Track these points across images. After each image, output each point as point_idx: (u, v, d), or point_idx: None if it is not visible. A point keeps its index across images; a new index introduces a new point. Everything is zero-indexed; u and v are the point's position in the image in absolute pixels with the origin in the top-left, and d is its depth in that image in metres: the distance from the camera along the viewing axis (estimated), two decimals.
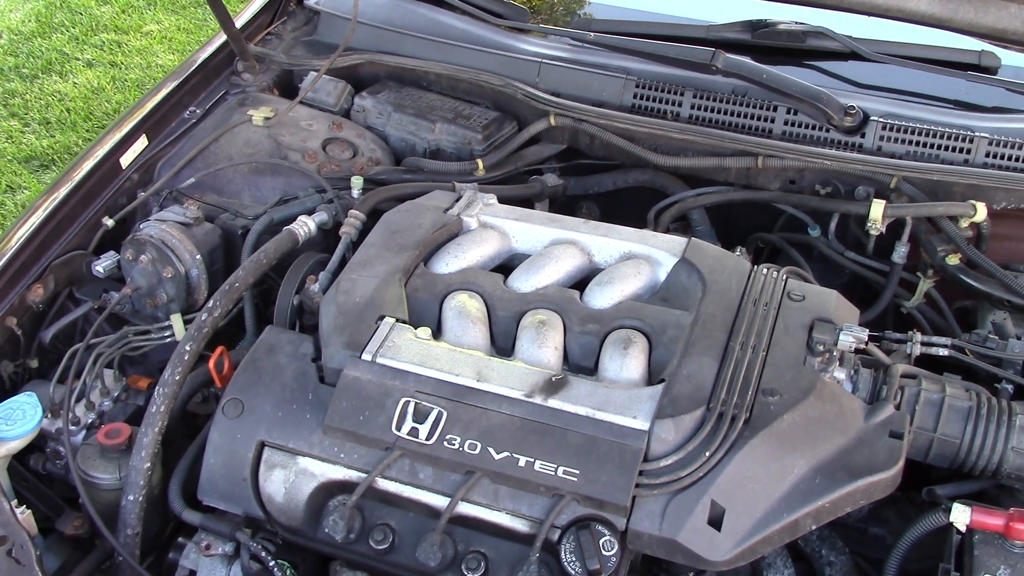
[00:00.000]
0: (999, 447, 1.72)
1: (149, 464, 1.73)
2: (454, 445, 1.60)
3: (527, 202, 2.41)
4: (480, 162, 2.46)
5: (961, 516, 1.62)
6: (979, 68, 2.59)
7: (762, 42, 2.66)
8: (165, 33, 6.07)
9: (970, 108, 2.49)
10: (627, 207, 2.53)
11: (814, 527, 1.60)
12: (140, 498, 1.73)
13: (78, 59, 5.76)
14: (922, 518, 1.69)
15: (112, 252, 2.21)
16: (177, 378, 1.77)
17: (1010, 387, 1.92)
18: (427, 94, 2.69)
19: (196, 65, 2.67)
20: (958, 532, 1.65)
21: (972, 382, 1.86)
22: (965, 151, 2.35)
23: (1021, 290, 2.07)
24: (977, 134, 2.34)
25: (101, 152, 2.36)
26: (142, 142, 2.44)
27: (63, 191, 2.26)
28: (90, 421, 1.94)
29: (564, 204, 2.62)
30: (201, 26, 6.11)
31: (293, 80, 2.77)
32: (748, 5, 2.55)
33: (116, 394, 2.00)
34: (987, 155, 2.34)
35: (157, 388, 1.76)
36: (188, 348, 1.80)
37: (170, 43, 5.99)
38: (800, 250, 2.44)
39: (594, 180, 2.62)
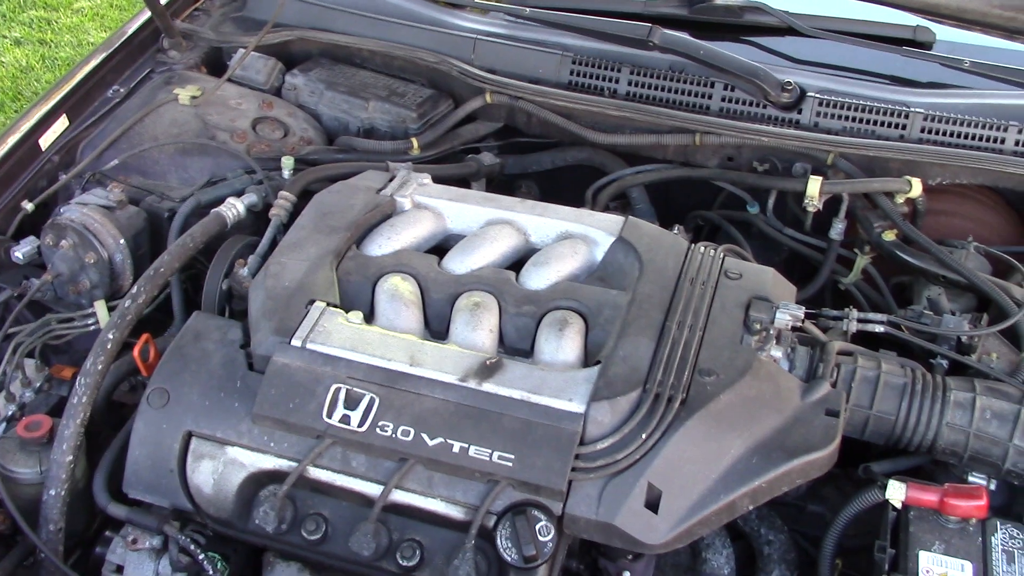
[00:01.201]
0: (934, 423, 1.72)
1: (71, 457, 1.67)
2: (387, 432, 1.56)
3: (463, 182, 2.38)
4: (415, 141, 2.41)
5: (896, 493, 1.63)
6: (914, 43, 2.59)
7: (699, 17, 2.64)
8: (96, 10, 5.92)
9: (905, 83, 2.50)
10: (566, 185, 2.50)
11: (751, 507, 1.59)
12: (62, 492, 1.67)
13: (5, 37, 5.60)
14: (858, 495, 1.70)
15: (32, 237, 2.13)
16: (99, 367, 1.71)
17: (945, 362, 1.92)
18: (360, 71, 2.63)
19: (120, 42, 2.59)
20: (894, 509, 1.66)
21: (908, 358, 1.87)
22: (901, 127, 2.35)
23: (955, 265, 2.07)
24: (912, 109, 2.35)
25: (19, 134, 2.28)
26: (63, 122, 2.36)
27: None
28: (10, 413, 1.88)
29: (502, 183, 2.58)
30: (134, 2, 5.98)
31: (222, 57, 2.69)
32: None
33: (38, 384, 1.94)
34: (922, 131, 2.34)
35: (79, 378, 1.70)
36: (111, 336, 1.74)
37: (102, 20, 5.85)
38: (739, 227, 2.43)
39: (532, 159, 2.59)
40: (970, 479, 1.74)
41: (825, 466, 1.62)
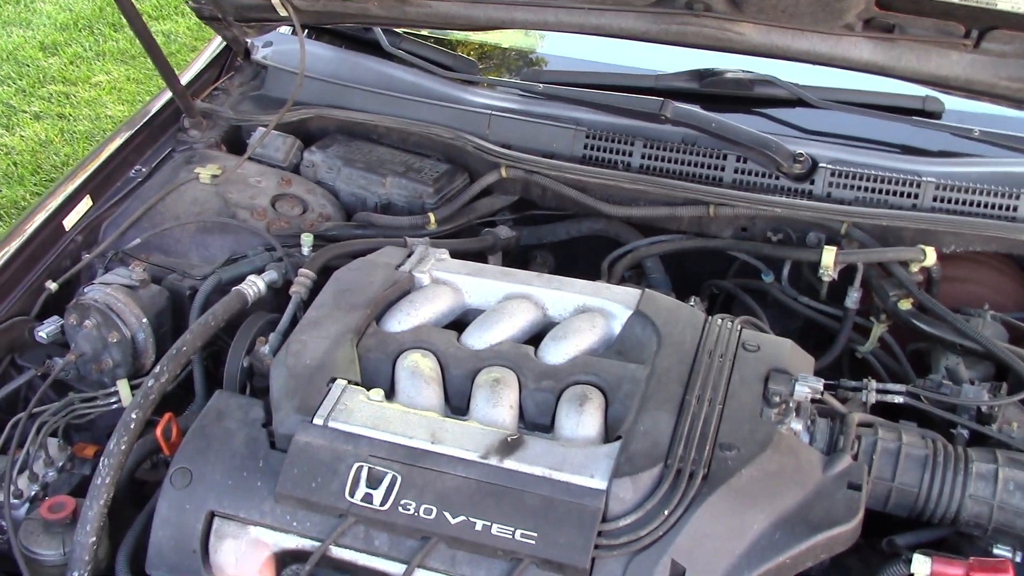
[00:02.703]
0: (957, 495, 1.71)
1: (95, 538, 1.67)
2: (409, 510, 1.57)
3: (480, 255, 2.40)
4: (432, 216, 2.44)
5: (922, 567, 1.61)
6: (924, 113, 2.62)
7: (710, 90, 2.68)
8: (114, 84, 6.02)
9: (916, 153, 2.53)
10: (582, 255, 2.53)
11: None
12: (85, 574, 1.67)
13: (25, 112, 5.70)
14: (883, 569, 1.69)
15: (56, 317, 2.16)
16: (123, 448, 1.72)
17: (965, 432, 1.92)
18: (377, 147, 2.68)
19: (142, 123, 2.64)
20: None
21: (928, 428, 1.87)
22: (913, 196, 2.37)
23: (972, 333, 2.08)
24: (924, 179, 2.37)
25: (43, 214, 2.32)
26: (86, 203, 2.40)
27: (4, 255, 2.22)
28: (33, 493, 1.88)
29: (518, 254, 2.61)
30: (151, 76, 6.07)
31: (241, 136, 2.75)
32: (696, 55, 2.58)
33: (61, 464, 1.94)
34: (934, 199, 2.36)
35: (102, 459, 1.71)
36: (134, 416, 1.75)
37: (119, 94, 5.94)
38: (755, 296, 2.44)
39: (548, 230, 2.62)
40: (995, 551, 1.73)
41: (849, 540, 1.61)
